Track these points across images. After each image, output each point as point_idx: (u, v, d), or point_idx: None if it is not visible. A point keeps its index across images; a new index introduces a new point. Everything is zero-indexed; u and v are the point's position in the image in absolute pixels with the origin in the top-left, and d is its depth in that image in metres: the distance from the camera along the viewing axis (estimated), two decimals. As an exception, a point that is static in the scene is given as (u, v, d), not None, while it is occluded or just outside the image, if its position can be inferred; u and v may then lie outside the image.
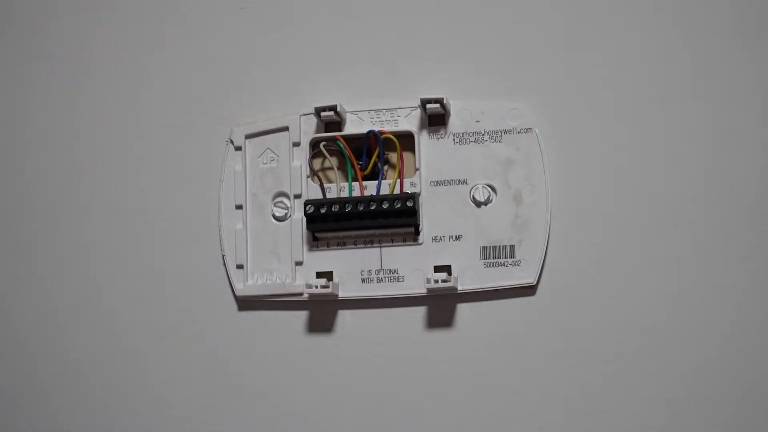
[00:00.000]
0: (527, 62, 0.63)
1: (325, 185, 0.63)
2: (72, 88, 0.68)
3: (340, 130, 0.63)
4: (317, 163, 0.64)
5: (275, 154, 0.64)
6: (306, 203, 0.62)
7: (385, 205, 0.61)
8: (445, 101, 0.62)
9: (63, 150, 0.67)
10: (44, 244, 0.66)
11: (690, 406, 0.59)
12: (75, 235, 0.66)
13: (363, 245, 0.62)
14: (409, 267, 0.62)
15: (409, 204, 0.61)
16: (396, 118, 0.63)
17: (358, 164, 0.62)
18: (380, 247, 0.62)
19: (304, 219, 0.62)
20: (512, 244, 0.61)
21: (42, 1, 0.69)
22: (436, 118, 0.63)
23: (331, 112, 0.63)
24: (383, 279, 0.62)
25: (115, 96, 0.67)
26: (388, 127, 0.63)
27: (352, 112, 0.64)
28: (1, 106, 0.68)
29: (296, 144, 0.64)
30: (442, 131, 0.63)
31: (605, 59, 0.62)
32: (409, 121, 0.63)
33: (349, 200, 0.61)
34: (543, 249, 0.61)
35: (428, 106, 0.62)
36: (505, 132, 0.62)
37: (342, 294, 0.62)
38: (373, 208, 0.61)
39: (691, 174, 0.61)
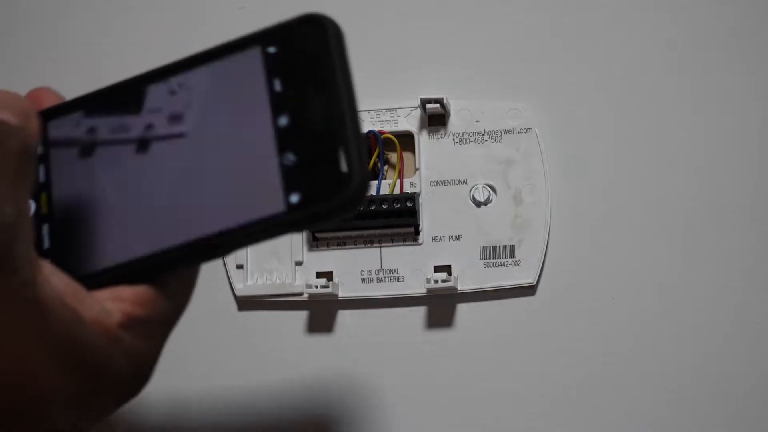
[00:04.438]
0: (527, 62, 0.63)
1: (325, 185, 0.63)
2: (71, 88, 0.67)
3: (340, 130, 0.63)
4: (317, 163, 0.64)
5: (275, 154, 0.64)
6: (306, 203, 0.62)
7: (385, 205, 0.61)
8: (445, 101, 0.61)
9: (63, 150, 0.67)
10: (44, 244, 0.66)
11: (690, 406, 0.59)
12: (75, 235, 0.66)
13: (363, 245, 0.62)
14: (409, 267, 0.62)
15: (409, 204, 0.61)
16: (396, 118, 0.63)
17: (358, 164, 0.62)
18: (380, 247, 0.62)
19: (304, 219, 0.62)
20: (512, 244, 0.61)
21: (42, 1, 0.69)
22: (436, 118, 0.63)
23: (331, 112, 0.62)
24: (383, 279, 0.62)
25: (115, 96, 0.67)
26: (388, 127, 0.63)
27: (352, 112, 0.64)
28: (1, 106, 0.68)
29: (296, 144, 0.64)
30: (442, 131, 0.63)
31: (605, 59, 0.62)
32: (409, 121, 0.63)
33: (349, 200, 0.61)
34: (543, 249, 0.61)
35: (428, 106, 0.62)
36: (505, 132, 0.62)
37: (342, 294, 0.62)
38: (372, 208, 0.61)
39: (691, 174, 0.61)
